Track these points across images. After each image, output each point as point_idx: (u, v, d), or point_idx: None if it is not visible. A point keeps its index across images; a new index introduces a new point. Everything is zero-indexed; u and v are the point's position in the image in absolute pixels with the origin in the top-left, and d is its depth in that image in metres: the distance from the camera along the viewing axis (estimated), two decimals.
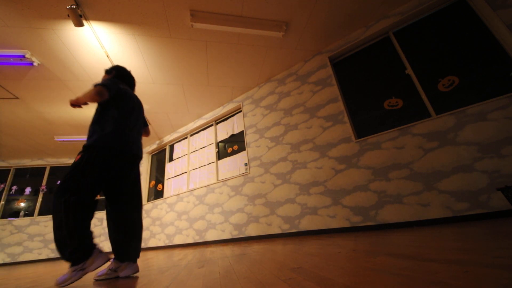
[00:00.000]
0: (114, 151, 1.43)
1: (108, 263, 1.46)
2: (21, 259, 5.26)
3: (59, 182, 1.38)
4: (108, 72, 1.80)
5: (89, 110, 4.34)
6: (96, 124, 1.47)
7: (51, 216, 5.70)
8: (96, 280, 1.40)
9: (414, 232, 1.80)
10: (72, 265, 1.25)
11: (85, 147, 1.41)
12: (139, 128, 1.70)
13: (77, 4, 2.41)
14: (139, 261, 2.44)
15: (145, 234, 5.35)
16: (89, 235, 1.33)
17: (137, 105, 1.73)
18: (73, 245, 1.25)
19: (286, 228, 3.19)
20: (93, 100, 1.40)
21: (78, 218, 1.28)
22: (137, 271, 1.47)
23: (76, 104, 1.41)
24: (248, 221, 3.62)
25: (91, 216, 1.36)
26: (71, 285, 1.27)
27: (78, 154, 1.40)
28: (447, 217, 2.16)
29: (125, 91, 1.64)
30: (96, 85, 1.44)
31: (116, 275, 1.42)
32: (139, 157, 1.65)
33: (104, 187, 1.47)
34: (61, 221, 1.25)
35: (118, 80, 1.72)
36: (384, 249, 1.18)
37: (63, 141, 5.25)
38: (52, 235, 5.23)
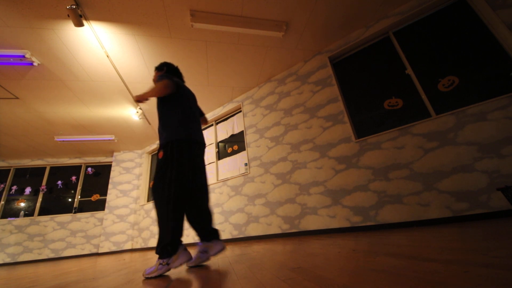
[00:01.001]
0: (184, 143, 1.51)
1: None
2: (21, 259, 5.26)
3: (154, 178, 1.47)
4: (159, 68, 1.86)
5: (90, 111, 4.34)
6: (163, 121, 1.57)
7: (50, 216, 5.70)
8: (190, 267, 1.45)
9: (414, 232, 1.79)
10: (159, 258, 1.33)
11: (162, 145, 1.50)
12: (197, 117, 1.77)
13: (77, 4, 2.41)
14: (140, 260, 2.44)
15: (145, 234, 5.36)
16: (180, 231, 1.40)
17: (191, 96, 1.80)
18: (167, 239, 1.33)
19: (286, 228, 3.19)
20: (161, 94, 1.48)
21: (173, 213, 1.36)
22: (225, 247, 1.51)
23: (142, 99, 1.50)
24: (248, 221, 3.62)
25: (183, 211, 1.44)
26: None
27: (158, 152, 1.50)
28: (447, 217, 2.16)
29: (179, 83, 1.71)
30: (162, 79, 1.52)
31: (208, 255, 1.47)
32: (204, 145, 1.72)
33: (189, 177, 1.53)
34: (160, 216, 1.37)
35: (170, 74, 1.79)
36: (384, 249, 1.18)
37: (63, 141, 5.25)
38: (52, 234, 5.22)
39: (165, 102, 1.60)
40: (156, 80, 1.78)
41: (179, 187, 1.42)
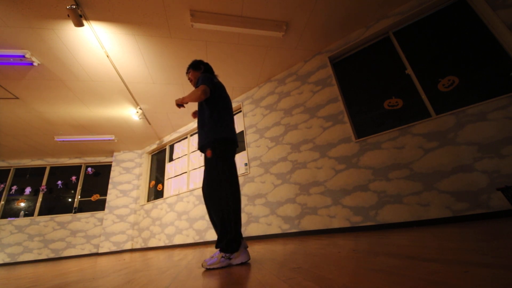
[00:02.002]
0: (229, 141, 1.55)
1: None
2: (21, 259, 5.26)
3: (207, 177, 1.49)
4: (196, 67, 1.83)
5: (90, 111, 4.34)
6: (211, 118, 1.57)
7: (50, 216, 5.70)
8: (208, 269, 1.35)
9: (414, 232, 1.79)
10: (222, 251, 1.35)
11: (210, 142, 1.51)
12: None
13: (77, 4, 2.41)
14: (140, 260, 2.44)
15: (145, 234, 5.36)
16: (240, 228, 1.42)
17: (228, 96, 1.81)
18: (231, 234, 1.35)
19: (286, 228, 3.19)
20: (199, 100, 1.52)
21: (234, 209, 1.38)
22: (250, 258, 1.44)
23: (181, 103, 1.55)
24: (248, 221, 3.62)
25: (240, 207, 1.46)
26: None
27: (206, 150, 1.52)
28: (447, 217, 2.16)
29: (220, 84, 1.72)
30: (203, 83, 1.55)
31: (229, 263, 1.36)
32: (238, 145, 1.74)
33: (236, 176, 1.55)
34: (222, 212, 1.37)
35: (209, 74, 1.80)
36: (384, 249, 1.18)
37: (63, 141, 5.25)
38: (52, 234, 5.18)
39: (214, 101, 1.62)
40: (193, 80, 1.80)
41: (233, 184, 1.45)
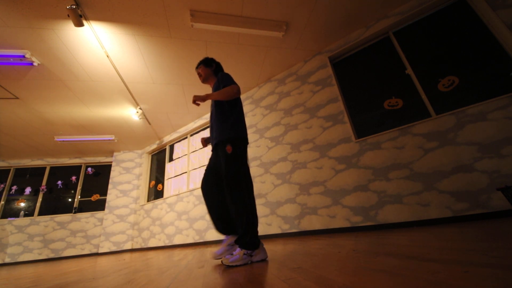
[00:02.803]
0: (245, 141, 1.60)
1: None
2: (21, 259, 5.26)
3: (227, 174, 1.45)
4: (207, 64, 1.81)
5: (90, 111, 4.34)
6: (229, 116, 1.59)
7: (50, 216, 5.70)
8: (230, 266, 1.32)
9: (414, 232, 1.79)
10: (243, 248, 1.36)
11: (230, 139, 1.52)
12: None
13: (77, 4, 2.41)
14: (139, 260, 2.45)
15: (145, 234, 5.36)
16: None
17: None
18: (253, 231, 1.37)
19: (286, 228, 3.19)
20: (232, 98, 1.55)
21: (253, 204, 1.42)
22: (267, 255, 1.48)
23: (202, 101, 1.51)
24: None
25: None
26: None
27: (226, 146, 1.50)
28: (447, 217, 2.16)
29: None
30: (231, 85, 1.57)
31: (251, 259, 1.35)
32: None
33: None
34: (244, 208, 1.38)
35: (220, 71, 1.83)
36: (384, 249, 1.18)
37: (63, 141, 5.25)
38: (52, 234, 5.16)
39: (234, 101, 1.65)
40: (203, 75, 1.78)
41: (251, 182, 1.49)
